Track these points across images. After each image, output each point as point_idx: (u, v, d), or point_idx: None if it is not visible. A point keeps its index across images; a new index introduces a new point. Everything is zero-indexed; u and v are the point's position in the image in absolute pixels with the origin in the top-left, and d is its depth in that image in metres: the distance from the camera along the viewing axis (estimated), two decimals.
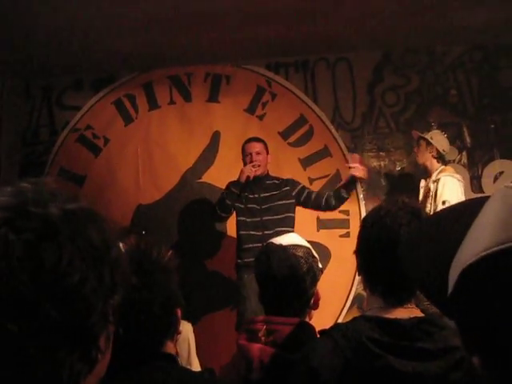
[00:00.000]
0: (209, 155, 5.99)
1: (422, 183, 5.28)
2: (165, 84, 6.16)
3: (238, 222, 4.88)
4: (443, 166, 5.20)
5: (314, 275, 2.12)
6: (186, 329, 4.90)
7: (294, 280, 2.05)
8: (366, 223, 1.81)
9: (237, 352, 2.11)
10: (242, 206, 4.82)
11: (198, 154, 6.00)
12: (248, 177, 4.74)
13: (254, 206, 4.82)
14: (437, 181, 5.07)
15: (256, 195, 4.83)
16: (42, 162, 6.24)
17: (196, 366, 4.87)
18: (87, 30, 5.12)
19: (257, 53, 5.88)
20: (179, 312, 1.65)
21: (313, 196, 4.89)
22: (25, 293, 0.69)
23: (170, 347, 1.61)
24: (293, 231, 4.76)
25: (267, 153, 4.97)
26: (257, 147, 4.89)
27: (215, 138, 6.00)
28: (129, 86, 6.22)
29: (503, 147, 5.80)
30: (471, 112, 5.94)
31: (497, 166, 5.75)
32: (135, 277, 1.46)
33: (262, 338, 2.02)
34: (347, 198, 4.89)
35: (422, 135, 5.23)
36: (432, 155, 5.20)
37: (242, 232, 4.83)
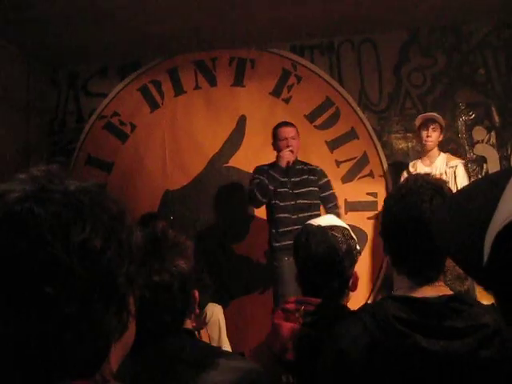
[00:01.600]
0: (235, 139, 5.99)
1: (412, 167, 5.25)
2: (190, 69, 6.17)
3: (272, 205, 4.86)
4: (443, 153, 5.26)
5: (352, 256, 2.11)
6: (217, 311, 4.95)
7: (332, 261, 2.04)
8: (387, 203, 1.78)
9: (271, 331, 2.11)
10: (276, 190, 4.81)
11: (224, 138, 6.01)
12: (288, 162, 4.75)
13: (287, 189, 4.82)
14: (454, 167, 5.12)
15: (287, 179, 4.83)
16: (70, 149, 6.30)
17: (227, 347, 4.92)
18: (112, 16, 5.13)
19: (281, 35, 5.85)
20: (196, 293, 1.74)
21: (329, 204, 4.95)
22: (58, 258, 0.74)
23: (187, 324, 1.72)
24: (319, 214, 4.81)
25: (299, 137, 4.97)
26: (291, 132, 4.88)
27: (241, 122, 5.99)
28: (154, 71, 6.24)
29: None
30: (499, 91, 5.85)
31: None
32: (154, 260, 1.58)
33: (300, 319, 2.02)
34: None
35: (439, 121, 5.16)
36: (439, 140, 5.22)
37: (277, 215, 4.82)
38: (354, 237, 2.16)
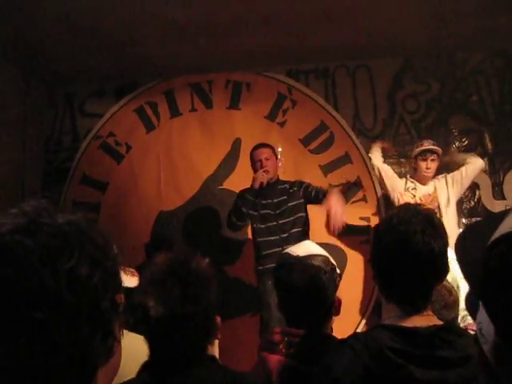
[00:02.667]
0: (230, 162, 6.02)
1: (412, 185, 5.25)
2: (186, 91, 6.21)
3: (253, 229, 4.89)
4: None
5: (334, 283, 2.11)
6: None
7: (315, 292, 2.04)
8: (379, 231, 1.80)
9: (258, 362, 2.11)
10: (256, 213, 4.82)
11: (219, 160, 6.04)
12: (261, 183, 4.73)
13: (269, 211, 4.82)
14: (443, 177, 5.23)
15: (269, 200, 4.82)
16: (65, 168, 6.31)
17: None
18: (109, 38, 5.19)
19: (277, 60, 5.90)
20: (218, 319, 1.76)
21: (312, 194, 4.83)
22: (46, 285, 0.76)
23: (209, 350, 1.75)
24: (307, 230, 4.85)
25: (276, 157, 4.99)
26: (265, 153, 4.87)
27: (236, 145, 6.02)
28: (150, 93, 6.28)
29: None
30: (492, 118, 5.90)
31: None
32: (177, 289, 1.59)
33: (283, 350, 2.02)
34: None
35: (438, 151, 5.16)
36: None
37: (259, 239, 4.83)
38: (334, 262, 2.16)
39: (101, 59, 5.66)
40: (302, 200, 4.86)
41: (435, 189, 5.15)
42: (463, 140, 5.86)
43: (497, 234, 0.74)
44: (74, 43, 5.29)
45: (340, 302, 2.13)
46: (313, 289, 2.04)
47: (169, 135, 6.20)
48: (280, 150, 5.85)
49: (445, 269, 1.70)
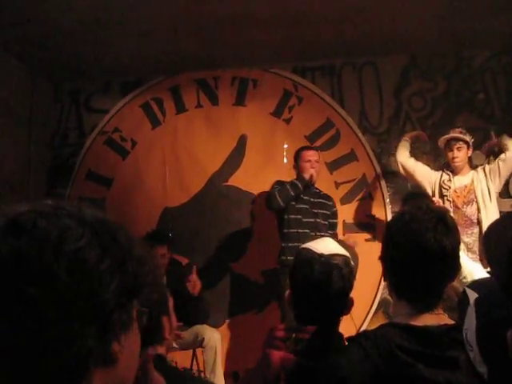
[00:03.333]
0: (235, 159, 6.02)
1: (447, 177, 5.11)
2: (192, 88, 6.21)
3: (290, 219, 4.95)
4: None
5: (351, 284, 2.11)
6: (215, 338, 4.98)
7: (335, 290, 2.02)
8: (391, 229, 1.79)
9: (262, 358, 2.10)
10: (293, 204, 4.94)
11: (224, 157, 6.04)
12: (311, 176, 4.94)
13: (306, 206, 4.97)
14: (481, 167, 5.12)
15: (306, 197, 5.01)
16: (71, 164, 6.32)
17: (219, 373, 4.95)
18: (115, 33, 5.19)
19: (283, 57, 5.90)
20: (165, 320, 1.80)
21: (334, 227, 5.22)
22: (45, 262, 0.75)
23: (159, 349, 1.79)
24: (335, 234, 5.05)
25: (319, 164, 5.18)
26: (315, 156, 5.10)
27: (242, 141, 6.02)
28: (156, 89, 6.29)
29: None
30: (498, 116, 5.89)
31: None
32: None
33: (290, 347, 2.01)
34: None
35: (465, 138, 5.00)
36: (468, 156, 5.10)
37: (290, 230, 4.92)
38: (352, 263, 2.16)
39: (107, 55, 5.66)
40: (329, 213, 5.19)
41: (472, 180, 4.98)
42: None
43: None
44: (79, 39, 5.30)
45: (352, 303, 2.13)
46: (333, 287, 2.01)
47: (174, 131, 6.20)
48: (286, 146, 5.85)
49: (456, 267, 1.69)
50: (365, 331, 1.76)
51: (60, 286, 0.75)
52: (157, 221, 6.00)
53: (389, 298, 4.79)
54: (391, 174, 5.79)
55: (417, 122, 5.92)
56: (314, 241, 2.26)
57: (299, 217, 4.92)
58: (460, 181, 5.03)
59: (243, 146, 6.01)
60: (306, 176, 4.92)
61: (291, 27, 5.17)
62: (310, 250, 2.13)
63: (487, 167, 5.08)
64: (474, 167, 5.44)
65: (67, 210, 0.83)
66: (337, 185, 5.81)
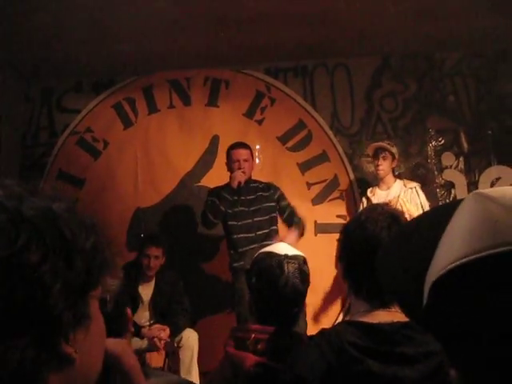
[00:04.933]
0: (208, 159, 6.01)
1: (370, 192, 5.29)
2: (164, 88, 6.19)
3: (228, 226, 4.88)
4: (398, 180, 5.31)
5: (308, 284, 2.15)
6: (192, 337, 4.98)
7: (300, 291, 2.07)
8: (347, 230, 1.83)
9: (224, 359, 2.12)
10: (230, 211, 4.82)
11: (197, 157, 6.03)
12: (239, 182, 4.74)
13: (244, 208, 4.84)
14: (413, 188, 5.18)
15: (243, 198, 4.84)
16: (42, 164, 6.26)
17: (195, 373, 4.94)
18: (87, 33, 5.16)
19: (256, 58, 5.91)
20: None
21: (285, 214, 4.96)
22: None
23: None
24: (277, 229, 4.89)
25: (253, 159, 5.02)
26: (244, 154, 4.87)
27: (214, 141, 6.02)
28: (128, 89, 6.26)
29: (500, 153, 5.82)
30: (469, 118, 5.97)
31: (493, 172, 5.78)
32: None
33: (250, 347, 2.03)
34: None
35: (390, 149, 5.18)
36: (392, 168, 5.27)
37: (235, 236, 4.83)
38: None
39: (79, 54, 5.62)
40: (274, 203, 4.93)
41: (398, 197, 5.11)
42: (440, 139, 5.92)
43: (440, 263, 0.69)
44: (51, 37, 5.25)
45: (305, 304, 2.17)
46: (300, 288, 2.07)
47: (146, 132, 6.17)
48: (258, 147, 5.86)
49: None
50: (322, 329, 1.79)
51: None
52: (129, 221, 5.97)
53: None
54: (361, 174, 5.85)
55: (388, 122, 5.98)
56: (272, 246, 2.28)
57: (235, 222, 4.82)
58: (383, 196, 5.15)
59: (216, 147, 6.01)
60: (234, 184, 4.74)
61: (263, 28, 5.18)
62: (273, 253, 2.14)
63: (421, 192, 5.19)
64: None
65: (4, 204, 0.76)
66: (308, 185, 5.84)
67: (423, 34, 5.40)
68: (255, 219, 4.82)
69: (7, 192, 0.79)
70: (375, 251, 1.63)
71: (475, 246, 0.66)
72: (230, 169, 4.87)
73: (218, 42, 5.45)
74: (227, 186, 4.82)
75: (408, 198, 5.08)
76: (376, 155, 5.24)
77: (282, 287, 2.05)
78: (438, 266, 0.69)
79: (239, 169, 4.78)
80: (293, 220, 4.89)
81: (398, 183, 5.25)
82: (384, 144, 5.24)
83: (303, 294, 2.10)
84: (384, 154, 5.17)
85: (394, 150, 5.21)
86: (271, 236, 4.68)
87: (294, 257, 2.11)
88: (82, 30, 5.11)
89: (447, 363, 0.76)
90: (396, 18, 5.08)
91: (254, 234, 4.75)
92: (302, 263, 2.12)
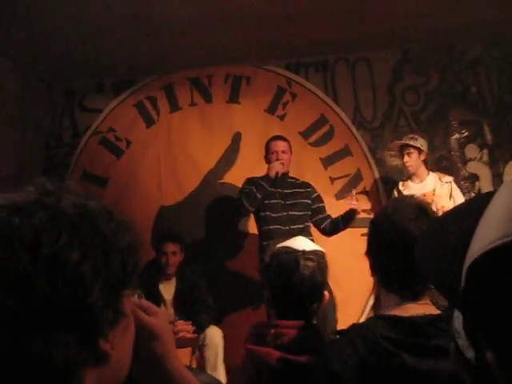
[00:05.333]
0: (230, 156, 6.03)
1: (402, 185, 5.26)
2: (185, 86, 6.21)
3: (262, 217, 4.85)
4: (432, 172, 5.26)
5: (326, 280, 2.15)
6: (217, 335, 4.97)
7: (317, 286, 2.08)
8: (375, 223, 1.84)
9: (245, 356, 2.12)
10: (266, 202, 4.81)
11: (219, 154, 6.04)
12: (277, 173, 4.75)
13: (279, 201, 4.83)
14: (449, 182, 5.14)
15: (280, 190, 4.84)
16: (65, 164, 6.31)
17: (221, 371, 4.93)
18: (108, 33, 5.19)
19: (276, 53, 5.91)
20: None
21: (319, 215, 4.96)
22: (21, 271, 0.70)
23: None
24: (310, 226, 4.89)
25: (291, 152, 5.00)
26: (282, 146, 4.90)
27: (236, 138, 6.03)
28: (150, 88, 6.29)
29: None
30: (492, 110, 5.91)
31: None
32: None
33: (271, 342, 2.04)
34: (342, 230, 4.92)
35: (414, 144, 5.14)
36: (422, 161, 5.23)
37: (268, 227, 4.80)
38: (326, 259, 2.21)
39: (99, 55, 5.66)
40: (310, 201, 4.93)
41: (434, 191, 5.10)
42: (463, 132, 5.87)
43: (478, 245, 0.69)
44: (73, 39, 5.29)
45: (327, 298, 2.17)
46: (317, 283, 2.07)
47: (169, 130, 6.20)
48: None
49: None
50: (354, 324, 1.79)
51: (38, 295, 0.70)
52: (153, 220, 6.00)
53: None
54: (384, 168, 5.83)
55: (410, 116, 5.95)
56: (289, 240, 2.28)
57: (269, 213, 4.80)
58: (416, 188, 5.10)
59: (238, 144, 6.02)
60: (271, 174, 4.75)
61: (284, 24, 5.18)
62: (290, 248, 2.16)
63: (455, 187, 5.15)
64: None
65: (44, 202, 0.77)
66: (332, 180, 5.82)
67: (443, 26, 5.36)
68: (290, 213, 4.81)
69: (41, 189, 0.81)
70: (403, 243, 1.66)
71: (510, 229, 0.65)
72: (268, 160, 4.88)
73: (239, 39, 5.46)
74: (265, 176, 4.80)
75: (444, 194, 5.04)
76: (401, 152, 5.24)
77: (297, 283, 2.06)
78: (474, 249, 0.69)
79: (277, 160, 4.80)
80: (324, 225, 4.90)
81: (433, 176, 5.21)
82: (405, 141, 5.19)
83: (320, 289, 2.10)
84: (408, 151, 5.15)
85: (419, 143, 5.16)
86: (305, 232, 4.63)
87: (312, 252, 2.12)
88: (102, 31, 5.13)
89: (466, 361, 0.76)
90: (416, 10, 5.05)
91: (288, 227, 4.72)
92: (320, 258, 2.12)
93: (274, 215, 4.80)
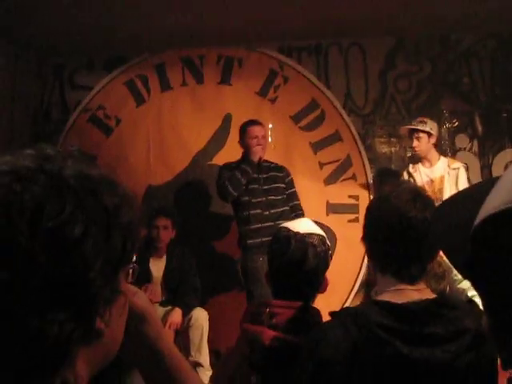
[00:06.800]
0: (220, 137, 5.99)
1: (412, 168, 5.24)
2: (177, 65, 6.17)
3: (241, 202, 4.82)
4: (443, 157, 5.26)
5: (326, 262, 2.15)
6: (203, 316, 4.99)
7: (308, 268, 2.07)
8: (371, 207, 1.84)
9: (240, 334, 2.14)
10: (249, 187, 4.79)
11: (209, 136, 6.01)
12: (260, 157, 4.74)
13: (257, 186, 4.81)
14: (456, 169, 5.12)
15: (256, 175, 4.81)
16: (54, 140, 6.24)
17: (205, 352, 4.96)
18: (100, 9, 5.13)
19: (269, 36, 5.86)
20: None
21: (293, 202, 4.97)
22: (19, 242, 0.67)
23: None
24: (289, 209, 4.87)
25: (266, 137, 4.99)
26: (262, 131, 4.87)
27: (227, 120, 6.00)
28: (141, 66, 6.23)
29: None
30: (483, 100, 5.92)
31: (508, 154, 5.74)
32: None
33: (265, 321, 2.04)
34: None
35: (423, 129, 5.12)
36: (433, 144, 5.20)
37: (248, 212, 4.78)
38: (329, 243, 2.20)
39: (91, 31, 5.60)
40: (284, 185, 4.93)
41: (442, 177, 5.10)
42: (453, 121, 5.88)
43: (482, 215, 0.68)
44: (63, 14, 5.23)
45: (327, 283, 2.18)
46: (308, 265, 2.07)
47: (159, 109, 6.16)
48: (271, 126, 5.83)
49: None
50: (347, 308, 1.78)
51: (37, 270, 0.67)
52: (141, 199, 5.96)
53: (370, 279, 4.83)
54: (374, 155, 5.83)
55: (402, 104, 5.94)
56: (292, 221, 2.34)
57: (249, 198, 4.78)
58: (426, 172, 5.11)
59: (228, 125, 5.99)
60: (255, 159, 4.73)
61: (278, 6, 5.14)
62: (287, 228, 2.17)
63: (462, 171, 5.13)
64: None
65: (46, 170, 0.73)
66: (321, 165, 5.81)
67: (438, 15, 5.35)
68: (269, 198, 4.80)
69: (41, 153, 0.76)
70: (401, 225, 1.66)
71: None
72: (246, 145, 4.83)
73: (231, 20, 5.40)
74: (245, 161, 4.78)
75: (451, 181, 5.03)
76: (410, 136, 5.19)
77: (286, 263, 2.08)
78: (480, 214, 0.68)
79: (258, 145, 4.77)
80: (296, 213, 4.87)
81: (443, 161, 5.19)
82: (413, 126, 5.16)
83: (315, 272, 2.10)
84: (417, 135, 5.11)
85: (428, 126, 5.11)
86: (284, 215, 4.65)
87: (308, 235, 2.12)
88: (94, 6, 5.07)
89: (479, 337, 0.76)
90: None
91: (268, 212, 4.72)
92: (317, 241, 2.12)
93: (254, 200, 4.78)
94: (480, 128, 5.87)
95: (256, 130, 4.84)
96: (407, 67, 5.98)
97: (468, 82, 5.96)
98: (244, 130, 4.90)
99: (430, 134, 5.13)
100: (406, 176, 5.23)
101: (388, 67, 5.99)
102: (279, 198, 4.85)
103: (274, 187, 4.86)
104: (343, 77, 6.01)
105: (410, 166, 5.31)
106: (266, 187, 4.83)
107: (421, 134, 5.12)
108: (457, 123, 5.88)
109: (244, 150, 4.87)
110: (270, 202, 4.79)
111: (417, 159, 5.28)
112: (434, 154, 5.21)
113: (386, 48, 5.99)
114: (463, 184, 5.01)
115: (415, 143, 5.14)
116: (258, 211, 4.76)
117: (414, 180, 5.07)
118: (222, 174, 4.83)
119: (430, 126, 5.15)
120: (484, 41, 5.94)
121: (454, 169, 5.12)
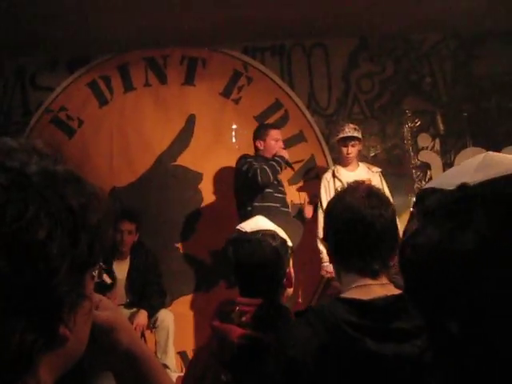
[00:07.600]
0: (184, 138, 5.96)
1: (337, 172, 5.23)
2: (140, 66, 6.11)
3: (265, 194, 4.86)
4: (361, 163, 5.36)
5: (283, 257, 2.16)
6: (168, 318, 4.98)
7: (260, 266, 2.10)
8: (329, 207, 1.86)
9: (211, 333, 2.14)
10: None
11: (172, 136, 5.97)
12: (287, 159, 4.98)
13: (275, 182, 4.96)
14: (376, 173, 5.23)
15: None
16: None
17: (171, 354, 4.95)
18: (62, 10, 5.06)
19: (233, 36, 5.85)
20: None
21: None
22: None
23: None
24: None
25: None
26: (280, 135, 5.13)
27: (190, 121, 5.97)
28: (104, 67, 6.16)
29: (476, 135, 5.87)
30: (445, 100, 6.00)
31: (469, 153, 5.80)
32: None
33: (235, 319, 2.05)
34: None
35: (358, 136, 5.15)
36: (358, 150, 5.28)
37: (267, 204, 4.82)
38: (284, 236, 2.21)
39: (53, 31, 5.52)
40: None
41: (368, 179, 5.10)
42: (416, 121, 5.95)
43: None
44: (24, 13, 5.15)
45: (291, 276, 2.19)
46: (258, 264, 2.10)
47: (122, 110, 6.09)
48: (235, 127, 5.84)
49: (396, 232, 1.74)
50: (311, 306, 1.78)
51: None
52: None
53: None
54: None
55: (365, 104, 5.98)
56: (247, 221, 2.35)
57: (271, 191, 4.86)
58: (351, 175, 5.05)
59: (192, 126, 5.97)
60: (286, 156, 4.92)
61: (242, 7, 5.13)
62: (238, 229, 2.23)
63: (383, 178, 5.21)
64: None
65: (6, 165, 0.69)
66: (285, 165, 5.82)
67: (401, 15, 5.40)
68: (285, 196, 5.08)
69: (2, 148, 0.72)
70: (358, 220, 1.68)
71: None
72: (270, 146, 5.01)
73: (195, 20, 5.38)
74: (281, 157, 4.91)
75: (377, 183, 5.08)
76: (344, 143, 5.17)
77: (240, 263, 2.15)
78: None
79: (283, 148, 5.04)
80: None
81: (362, 166, 5.28)
82: (351, 134, 5.14)
83: (271, 267, 2.12)
84: (353, 142, 5.15)
85: (360, 134, 5.19)
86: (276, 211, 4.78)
87: (256, 232, 2.16)
88: (56, 6, 5.00)
89: None
90: None
91: (285, 209, 4.98)
92: (266, 237, 2.14)
93: (275, 195, 4.91)
94: (442, 127, 5.95)
95: (278, 134, 5.08)
96: (370, 67, 6.03)
97: (430, 82, 6.03)
98: (266, 132, 5.06)
99: (360, 141, 5.20)
100: (329, 176, 5.22)
101: (351, 67, 6.04)
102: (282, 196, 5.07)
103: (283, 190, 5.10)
104: (306, 77, 6.04)
105: (334, 169, 5.26)
106: (280, 188, 5.06)
107: (355, 142, 5.17)
108: (419, 122, 5.94)
109: (262, 149, 5.02)
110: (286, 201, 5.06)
111: (345, 164, 5.30)
112: (355, 160, 5.28)
113: (349, 48, 6.04)
114: (385, 188, 5.07)
115: (350, 150, 5.16)
116: (278, 205, 4.86)
117: (341, 181, 5.08)
118: (244, 159, 4.93)
119: (360, 132, 5.22)
120: (446, 41, 6.02)
121: (376, 172, 5.22)
